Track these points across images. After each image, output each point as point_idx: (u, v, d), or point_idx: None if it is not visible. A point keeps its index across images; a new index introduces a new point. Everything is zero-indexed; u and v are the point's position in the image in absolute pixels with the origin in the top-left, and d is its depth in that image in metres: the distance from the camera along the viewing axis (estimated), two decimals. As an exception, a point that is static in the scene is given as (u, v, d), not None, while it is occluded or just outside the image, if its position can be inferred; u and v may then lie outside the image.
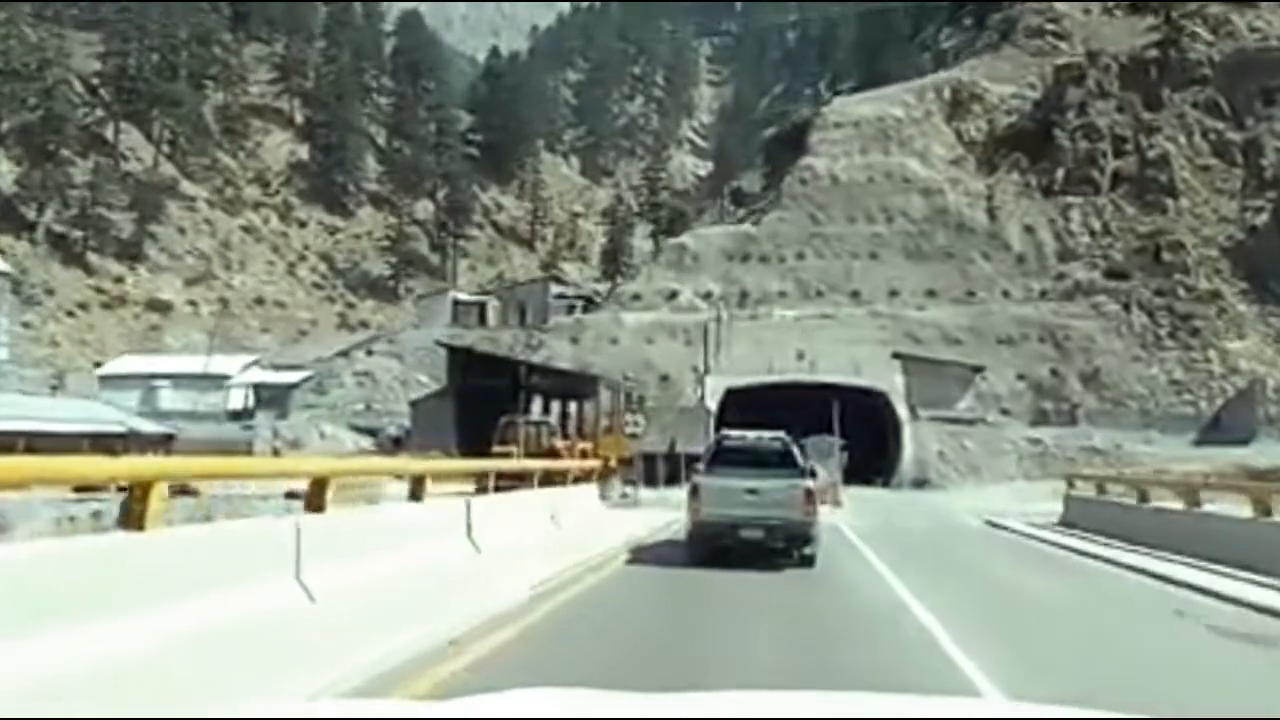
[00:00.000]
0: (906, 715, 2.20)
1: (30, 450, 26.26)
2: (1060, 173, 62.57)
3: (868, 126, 65.80)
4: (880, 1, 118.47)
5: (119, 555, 4.53)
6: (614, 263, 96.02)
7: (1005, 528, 22.14)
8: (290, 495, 26.72)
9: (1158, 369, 53.34)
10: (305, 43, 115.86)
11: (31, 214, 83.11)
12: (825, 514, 21.62)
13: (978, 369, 51.48)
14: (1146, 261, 57.71)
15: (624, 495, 29.81)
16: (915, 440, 46.89)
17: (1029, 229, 60.30)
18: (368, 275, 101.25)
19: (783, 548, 13.62)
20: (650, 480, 37.08)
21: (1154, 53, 67.01)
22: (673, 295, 58.88)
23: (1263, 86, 64.28)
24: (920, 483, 44.54)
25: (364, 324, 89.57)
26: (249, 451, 39.80)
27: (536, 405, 37.82)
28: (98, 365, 68.57)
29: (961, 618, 9.40)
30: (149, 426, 42.61)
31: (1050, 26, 74.24)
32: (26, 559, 4.19)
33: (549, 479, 15.80)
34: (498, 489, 16.13)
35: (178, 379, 62.11)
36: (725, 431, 17.11)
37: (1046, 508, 26.03)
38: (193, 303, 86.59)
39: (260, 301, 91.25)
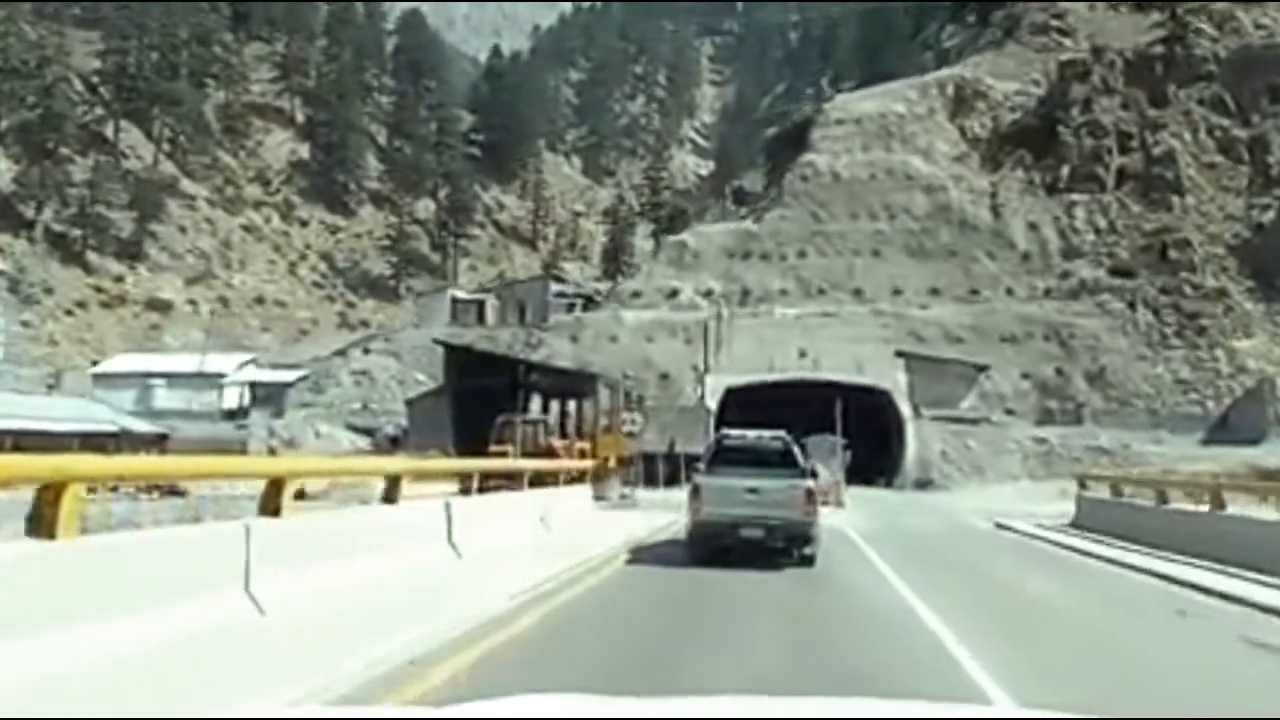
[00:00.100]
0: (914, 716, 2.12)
1: (18, 449, 25.80)
2: (1065, 170, 61.98)
3: (870, 123, 65.22)
4: (882, 1, 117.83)
5: (23, 568, 4.00)
6: (615, 262, 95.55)
7: (1015, 530, 21.45)
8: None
9: (1164, 368, 52.76)
10: (306, 42, 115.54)
11: (30, 212, 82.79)
12: (828, 515, 21.12)
13: (982, 368, 50.92)
14: (1152, 259, 57.12)
15: (623, 496, 29.34)
16: (918, 440, 46.35)
17: (1033, 226, 59.72)
18: (368, 275, 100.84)
19: (783, 547, 13.57)
20: (650, 480, 36.65)
21: (1159, 49, 66.38)
22: (673, 293, 58.35)
23: (1269, 83, 63.67)
24: (923, 483, 44.00)
25: (364, 323, 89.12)
26: (244, 451, 39.33)
27: (535, 404, 37.35)
28: (95, 364, 68.16)
29: (987, 638, 8.47)
30: (142, 426, 42.12)
31: (1054, 23, 73.64)
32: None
33: (540, 479, 15.31)
34: (486, 489, 15.65)
35: (173, 378, 61.70)
36: (726, 431, 17.03)
37: (1054, 509, 25.51)
38: (193, 302, 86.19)
39: (260, 301, 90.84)
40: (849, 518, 23.93)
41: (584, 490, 18.57)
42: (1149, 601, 11.85)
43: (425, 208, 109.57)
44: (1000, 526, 22.57)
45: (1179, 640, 9.44)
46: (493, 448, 27.76)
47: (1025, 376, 52.39)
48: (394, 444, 45.68)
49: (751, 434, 15.43)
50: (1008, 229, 59.76)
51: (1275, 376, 50.18)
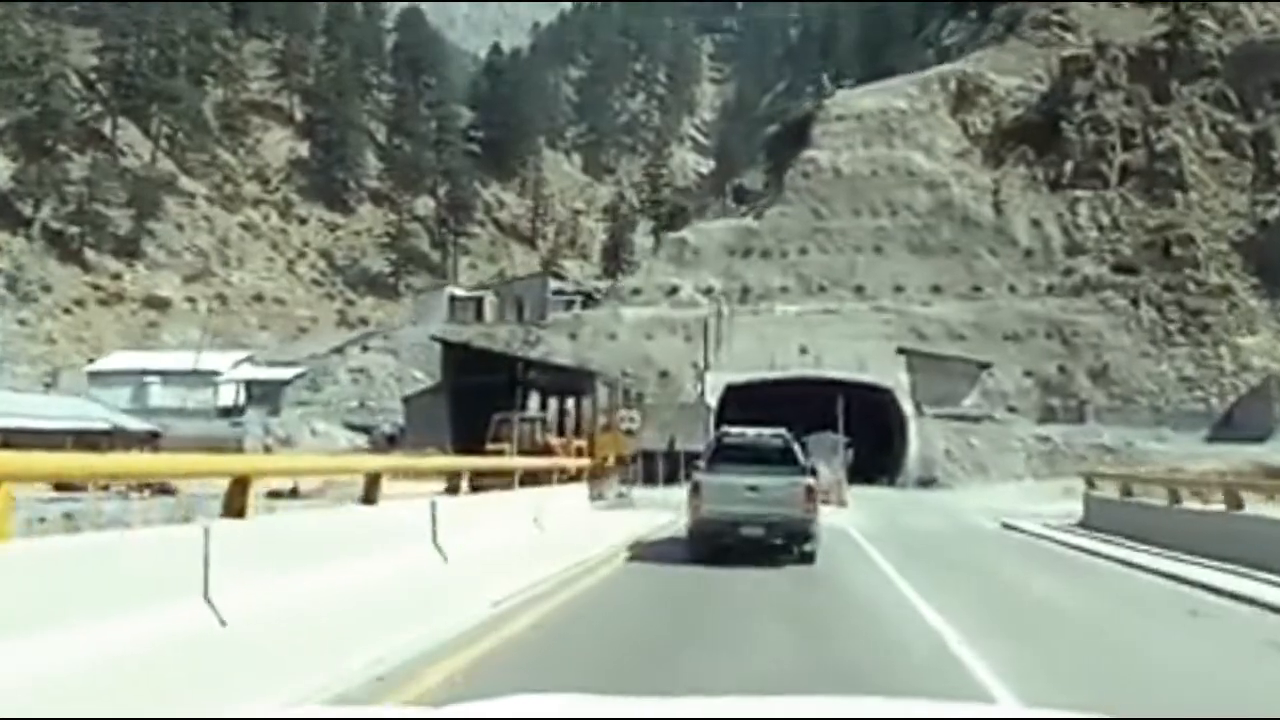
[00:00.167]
0: (917, 716, 2.08)
1: (8, 448, 25.42)
2: (1068, 166, 61.60)
3: (871, 119, 64.80)
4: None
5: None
6: (615, 260, 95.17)
7: (1023, 530, 20.91)
8: (273, 494, 25.91)
9: (1168, 365, 52.40)
10: (305, 39, 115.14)
11: (28, 210, 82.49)
12: (830, 514, 20.74)
13: (984, 365, 50.54)
14: (1156, 256, 56.74)
15: (621, 495, 28.98)
16: (921, 438, 45.96)
17: (1036, 223, 59.34)
18: (368, 272, 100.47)
19: (783, 544, 13.63)
20: (649, 479, 36.31)
21: (1162, 44, 66.00)
22: (673, 290, 57.96)
23: (1272, 79, 63.31)
24: (926, 481, 43.62)
25: (363, 321, 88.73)
26: (239, 449, 38.95)
27: (533, 402, 36.94)
28: (92, 363, 67.85)
29: (997, 641, 7.96)
30: (135, 423, 41.78)
31: (1057, 18, 73.20)
32: None
33: (535, 478, 14.92)
34: (482, 489, 15.25)
35: (168, 375, 61.35)
36: (726, 429, 17.03)
37: (1059, 508, 25.12)
38: (191, 300, 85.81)
39: (259, 299, 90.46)
40: (851, 517, 23.53)
41: (580, 489, 18.17)
42: (1162, 603, 11.46)
43: (425, 205, 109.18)
44: (1007, 526, 22.08)
45: (1198, 646, 9.05)
46: (489, 446, 27.43)
47: (1028, 374, 52.04)
48: (391, 442, 45.33)
49: (752, 432, 15.40)
50: (1010, 225, 59.37)
51: (1280, 374, 49.82)
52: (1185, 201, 59.18)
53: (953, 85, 67.85)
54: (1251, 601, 10.97)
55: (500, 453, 25.66)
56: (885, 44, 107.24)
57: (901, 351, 49.62)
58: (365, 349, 62.11)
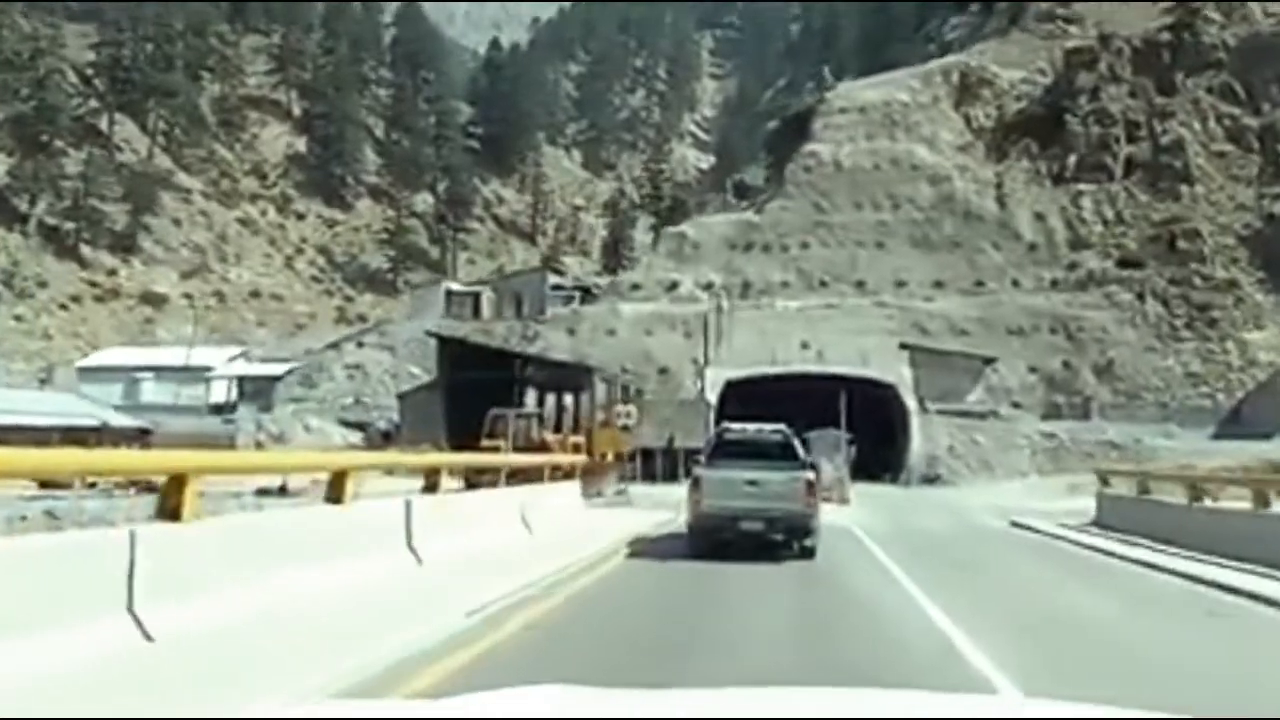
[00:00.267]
0: (917, 713, 2.08)
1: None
2: (1072, 159, 60.94)
3: (873, 112, 64.11)
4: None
5: None
6: (615, 257, 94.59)
7: (1034, 529, 20.17)
8: (261, 492, 25.32)
9: (1174, 360, 51.78)
10: (303, 34, 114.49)
11: (24, 206, 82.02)
12: (833, 513, 20.16)
13: (988, 360, 49.92)
14: (1161, 250, 56.10)
15: (619, 492, 28.44)
16: (924, 434, 45.33)
17: (1040, 217, 58.68)
18: (366, 268, 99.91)
19: (783, 539, 13.79)
20: (648, 476, 35.77)
21: (1167, 36, 65.30)
22: (673, 286, 57.30)
23: (1278, 71, 62.59)
24: (930, 479, 42.99)
25: (362, 318, 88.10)
26: (231, 446, 38.36)
27: (530, 398, 36.32)
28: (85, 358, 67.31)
29: (1022, 665, 7.09)
30: (124, 420, 41.20)
31: (1060, 10, 72.51)
32: None
33: (526, 475, 14.32)
34: (477, 486, 14.66)
35: (160, 371, 60.75)
36: (726, 424, 17.21)
37: (1066, 505, 24.56)
38: (188, 296, 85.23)
39: (256, 295, 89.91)
40: (854, 515, 22.92)
41: (572, 487, 17.55)
42: (1179, 603, 10.86)
43: (423, 201, 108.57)
44: (1017, 525, 21.35)
45: (1213, 646, 8.52)
46: (484, 442, 26.82)
47: (1032, 370, 51.43)
48: (387, 439, 44.78)
49: (752, 427, 15.55)
50: (1013, 219, 58.73)
51: (1288, 369, 49.18)
52: (1191, 195, 58.51)
53: (955, 78, 67.18)
54: (1271, 602, 10.42)
55: (495, 449, 25.05)
56: (886, 40, 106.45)
57: (904, 347, 48.97)
58: (361, 345, 61.50)
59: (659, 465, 37.65)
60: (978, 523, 23.34)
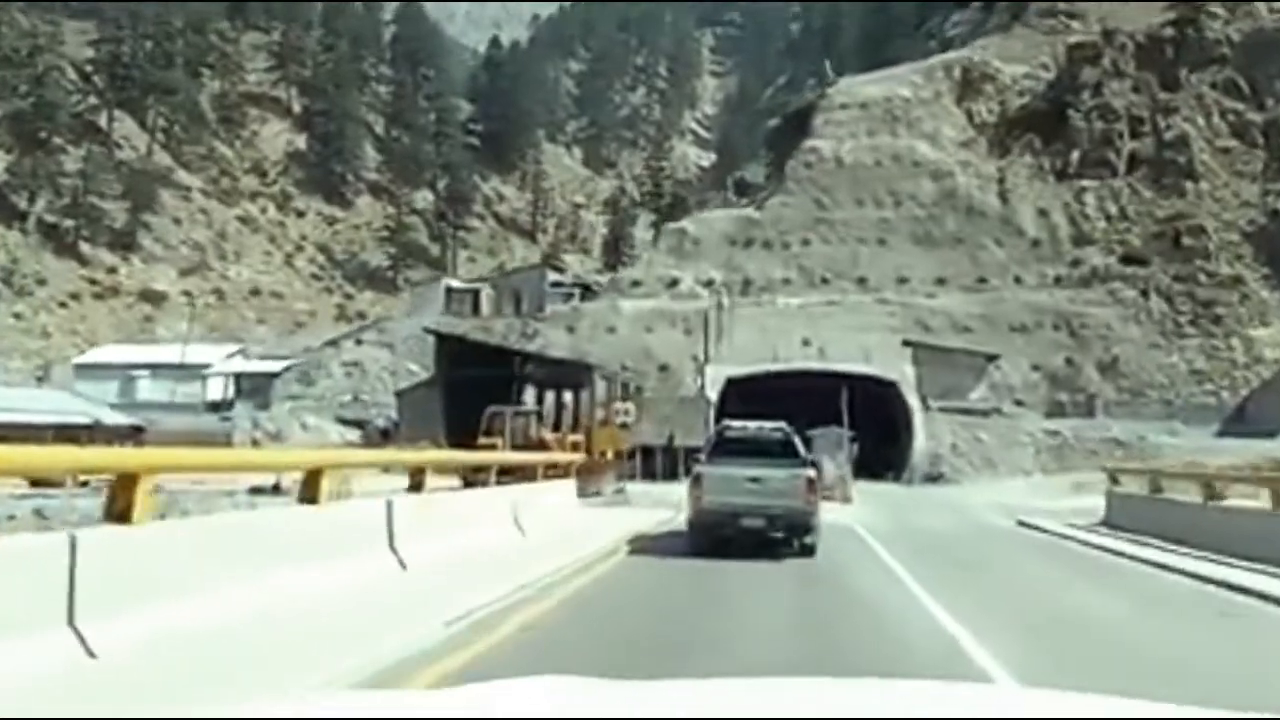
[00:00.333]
0: (918, 703, 2.10)
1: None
2: (1075, 155, 60.53)
3: (875, 107, 63.68)
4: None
5: None
6: (616, 254, 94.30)
7: (1041, 529, 19.70)
8: (255, 490, 24.99)
9: (1178, 358, 51.41)
10: (303, 31, 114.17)
11: (23, 203, 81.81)
12: (835, 511, 19.83)
13: (991, 357, 49.55)
14: (1165, 246, 55.70)
15: (618, 491, 28.11)
16: (927, 432, 44.95)
17: (1043, 213, 58.28)
18: (366, 266, 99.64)
19: (783, 537, 13.82)
20: (648, 474, 35.42)
21: (1171, 32, 64.88)
22: (673, 283, 56.94)
23: (1283, 67, 62.20)
24: (933, 477, 42.61)
25: (361, 315, 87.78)
26: (228, 444, 38.03)
27: (529, 395, 35.96)
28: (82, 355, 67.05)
29: (1026, 664, 6.92)
30: (119, 418, 40.87)
31: (1063, 6, 72.03)
32: None
33: (522, 474, 13.97)
34: (474, 484, 14.31)
35: (156, 369, 60.42)
36: (727, 421, 17.28)
37: (1071, 504, 24.21)
38: (187, 293, 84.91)
39: (256, 292, 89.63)
40: (857, 513, 22.57)
41: (568, 486, 17.18)
42: (1189, 604, 10.52)
43: (424, 199, 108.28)
44: (1024, 525, 20.91)
45: (1223, 646, 8.27)
46: (481, 440, 26.47)
47: (1035, 367, 51.06)
48: (385, 436, 44.44)
49: (753, 425, 15.66)
50: (1016, 215, 58.34)
51: (1294, 366, 48.81)
52: (1195, 191, 58.12)
53: (958, 73, 66.75)
54: (1281, 602, 10.13)
55: (492, 447, 24.71)
56: (887, 38, 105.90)
57: (906, 344, 48.60)
58: (359, 342, 61.18)
59: (659, 463, 37.30)
60: (982, 521, 22.97)
